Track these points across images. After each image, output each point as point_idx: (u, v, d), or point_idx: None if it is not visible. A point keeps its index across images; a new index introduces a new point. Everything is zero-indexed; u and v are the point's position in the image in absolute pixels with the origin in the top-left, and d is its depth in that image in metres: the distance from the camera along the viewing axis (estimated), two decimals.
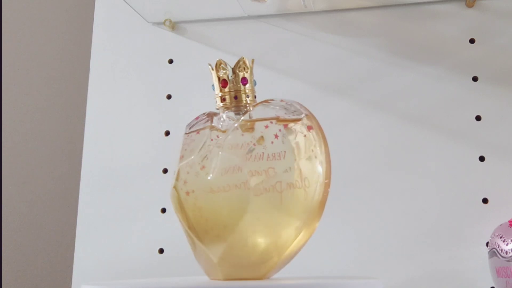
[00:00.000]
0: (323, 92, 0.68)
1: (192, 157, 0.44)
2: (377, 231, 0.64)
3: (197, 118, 0.48)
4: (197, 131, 0.46)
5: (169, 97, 0.72)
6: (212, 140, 0.45)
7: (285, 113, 0.44)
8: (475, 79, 0.66)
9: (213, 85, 0.46)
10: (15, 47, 0.87)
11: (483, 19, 0.67)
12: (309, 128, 0.44)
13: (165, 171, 0.70)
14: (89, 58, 0.75)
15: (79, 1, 0.87)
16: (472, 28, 0.67)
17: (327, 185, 0.43)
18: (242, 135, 0.43)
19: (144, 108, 0.72)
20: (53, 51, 0.87)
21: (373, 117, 0.67)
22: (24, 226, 0.82)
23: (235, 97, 0.45)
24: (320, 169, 0.43)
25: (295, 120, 0.44)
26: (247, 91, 0.46)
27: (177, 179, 0.44)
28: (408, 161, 0.65)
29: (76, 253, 0.70)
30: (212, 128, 0.45)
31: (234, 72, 0.46)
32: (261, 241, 0.42)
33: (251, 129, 0.44)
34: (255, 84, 0.46)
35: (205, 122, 0.46)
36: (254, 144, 0.43)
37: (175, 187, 0.44)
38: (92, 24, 0.76)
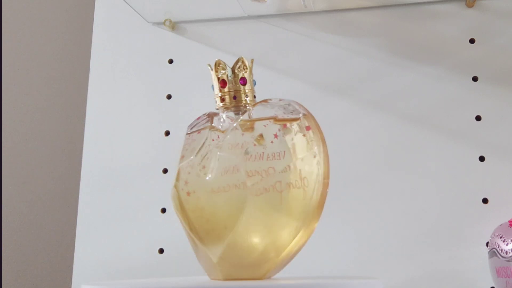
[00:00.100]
0: (323, 92, 0.68)
1: (192, 157, 0.44)
2: (377, 231, 0.64)
3: (198, 118, 0.48)
4: (198, 131, 0.46)
5: (169, 97, 0.72)
6: (213, 140, 0.45)
7: (284, 113, 0.44)
8: (475, 79, 0.66)
9: (212, 85, 0.46)
10: (15, 47, 0.87)
11: (483, 19, 0.67)
12: (308, 127, 0.44)
13: (165, 171, 0.70)
14: (89, 58, 0.75)
15: (79, 1, 0.87)
16: (472, 28, 0.67)
17: (326, 185, 0.43)
18: (242, 134, 0.43)
19: (144, 108, 0.72)
20: (53, 51, 0.87)
21: (373, 117, 0.67)
22: (24, 226, 0.82)
23: (234, 97, 0.45)
24: (319, 168, 0.43)
25: (292, 120, 0.44)
26: (246, 91, 0.46)
27: (177, 179, 0.44)
28: (408, 161, 0.65)
29: (76, 253, 0.70)
30: (212, 128, 0.46)
31: (233, 72, 0.46)
32: (260, 241, 0.42)
33: (251, 128, 0.44)
34: (254, 84, 0.46)
35: (205, 123, 0.46)
36: (254, 144, 0.43)
37: (175, 187, 0.44)
38: (92, 24, 0.76)
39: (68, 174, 0.82)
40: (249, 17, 0.72)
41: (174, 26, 0.73)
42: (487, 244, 0.61)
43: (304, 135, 0.43)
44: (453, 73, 0.66)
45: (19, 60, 0.87)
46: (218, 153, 0.43)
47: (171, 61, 0.73)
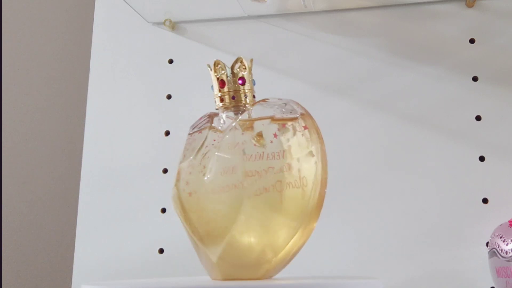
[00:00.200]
0: (323, 92, 0.68)
1: (191, 157, 0.44)
2: (377, 231, 0.64)
3: (200, 118, 0.48)
4: (199, 131, 0.46)
5: (169, 97, 0.72)
6: (214, 140, 0.45)
7: (282, 112, 0.44)
8: (475, 79, 0.66)
9: (212, 86, 0.46)
10: (15, 47, 0.87)
11: (483, 19, 0.67)
12: (305, 127, 0.44)
13: (165, 171, 0.70)
14: (89, 58, 0.75)
15: (79, 1, 0.87)
16: (472, 28, 0.67)
17: (324, 184, 0.43)
18: (242, 134, 0.43)
19: (144, 108, 0.72)
20: (53, 51, 0.87)
21: (373, 117, 0.67)
22: (24, 226, 0.82)
23: (233, 97, 0.45)
24: (317, 168, 0.43)
25: (290, 119, 0.44)
26: (245, 91, 0.46)
27: (178, 180, 0.44)
28: (408, 161, 0.65)
29: (76, 253, 0.70)
30: (212, 128, 0.46)
31: (232, 72, 0.46)
32: (259, 241, 0.42)
33: (251, 128, 0.44)
34: (254, 84, 0.46)
35: (206, 123, 0.46)
36: (254, 144, 0.43)
37: (176, 187, 0.44)
38: (92, 24, 0.76)
39: (68, 174, 0.82)
40: (249, 17, 0.72)
41: (174, 26, 0.73)
42: (487, 244, 0.61)
43: (302, 135, 0.43)
44: (453, 73, 0.66)
45: (19, 60, 0.87)
46: (217, 153, 0.43)
47: (171, 61, 0.73)
